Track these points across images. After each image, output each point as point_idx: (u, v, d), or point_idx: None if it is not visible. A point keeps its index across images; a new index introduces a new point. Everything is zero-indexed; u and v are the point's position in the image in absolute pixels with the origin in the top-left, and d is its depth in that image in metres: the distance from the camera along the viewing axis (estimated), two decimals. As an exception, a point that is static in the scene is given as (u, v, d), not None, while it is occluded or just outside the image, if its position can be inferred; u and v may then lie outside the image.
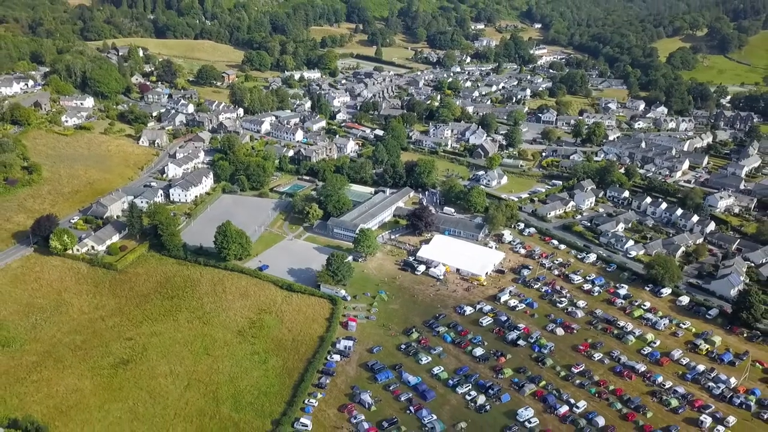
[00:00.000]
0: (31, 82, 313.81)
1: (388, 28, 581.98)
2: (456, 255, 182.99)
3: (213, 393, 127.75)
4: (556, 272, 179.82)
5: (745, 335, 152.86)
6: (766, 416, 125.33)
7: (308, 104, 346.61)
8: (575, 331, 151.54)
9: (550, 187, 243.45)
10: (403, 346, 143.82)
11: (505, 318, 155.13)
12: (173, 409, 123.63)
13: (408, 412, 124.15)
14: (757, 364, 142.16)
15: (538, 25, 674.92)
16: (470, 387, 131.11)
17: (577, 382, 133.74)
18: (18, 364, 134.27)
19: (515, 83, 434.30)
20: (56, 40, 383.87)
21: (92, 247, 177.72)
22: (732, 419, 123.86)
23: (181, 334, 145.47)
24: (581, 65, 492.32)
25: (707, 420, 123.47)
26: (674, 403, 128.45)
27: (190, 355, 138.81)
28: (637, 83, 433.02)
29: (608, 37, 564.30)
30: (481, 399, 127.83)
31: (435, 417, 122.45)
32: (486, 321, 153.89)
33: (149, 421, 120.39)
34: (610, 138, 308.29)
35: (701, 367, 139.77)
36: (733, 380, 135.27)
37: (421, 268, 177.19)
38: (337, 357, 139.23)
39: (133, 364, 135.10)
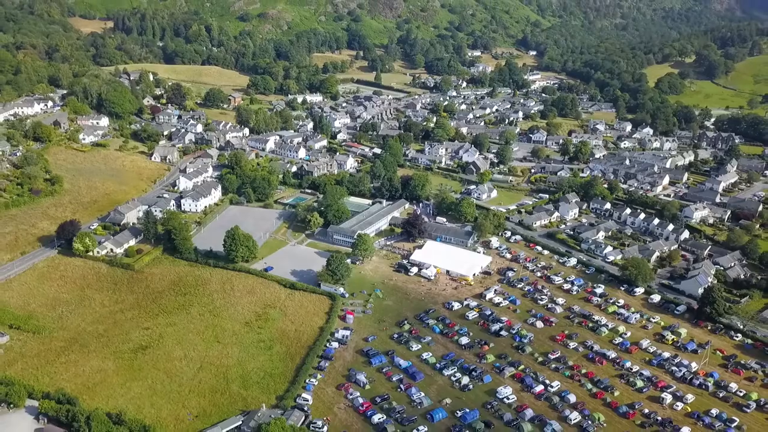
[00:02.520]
0: (50, 103, 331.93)
1: (387, 54, 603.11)
2: (446, 258, 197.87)
3: (223, 374, 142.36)
4: (539, 274, 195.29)
5: (709, 328, 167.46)
6: (721, 395, 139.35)
7: (310, 125, 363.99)
8: (553, 324, 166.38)
9: (537, 200, 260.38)
10: (395, 336, 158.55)
11: (490, 312, 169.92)
12: (188, 386, 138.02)
13: (399, 390, 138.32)
14: (718, 352, 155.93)
15: (533, 52, 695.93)
16: (455, 370, 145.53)
17: (553, 366, 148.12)
18: (48, 348, 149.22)
19: (508, 106, 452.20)
20: (72, 65, 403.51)
21: (111, 249, 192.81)
22: (690, 397, 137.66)
23: (193, 325, 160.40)
24: (572, 89, 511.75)
25: (668, 397, 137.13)
26: (639, 383, 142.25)
27: (202, 342, 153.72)
28: (625, 106, 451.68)
29: (600, 63, 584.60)
30: (465, 380, 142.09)
31: (423, 394, 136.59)
32: (472, 315, 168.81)
33: (167, 396, 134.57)
34: (596, 156, 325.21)
35: (666, 354, 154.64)
36: (694, 365, 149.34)
37: (414, 269, 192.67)
38: (335, 344, 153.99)
39: (151, 349, 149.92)
